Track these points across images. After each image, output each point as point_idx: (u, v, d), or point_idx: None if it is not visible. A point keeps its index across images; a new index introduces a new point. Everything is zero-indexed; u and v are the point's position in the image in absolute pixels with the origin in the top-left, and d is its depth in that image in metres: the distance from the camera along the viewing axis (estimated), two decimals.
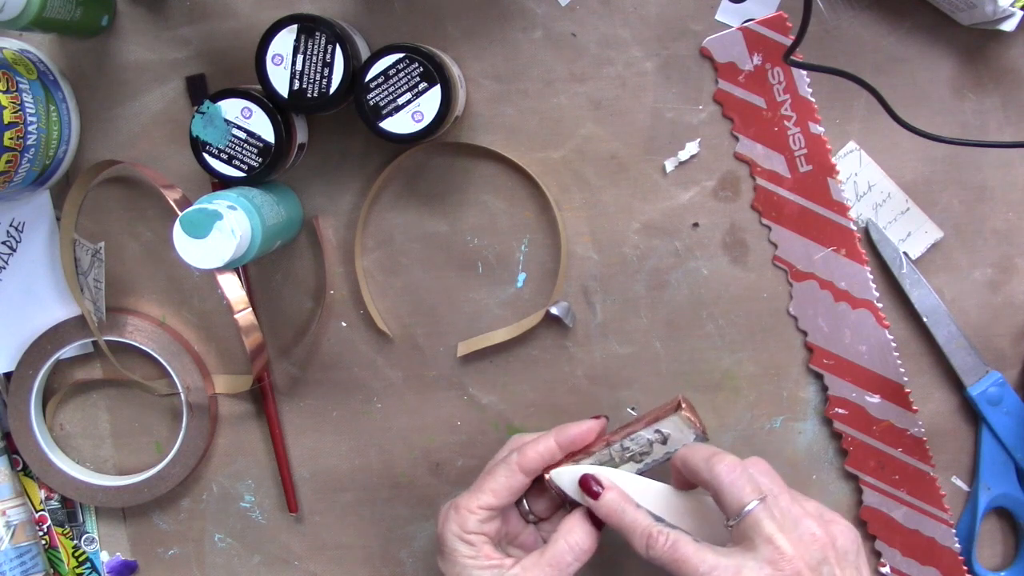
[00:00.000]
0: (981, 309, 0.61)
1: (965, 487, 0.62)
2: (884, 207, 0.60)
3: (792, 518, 0.49)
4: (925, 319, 0.60)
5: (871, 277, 0.61)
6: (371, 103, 0.55)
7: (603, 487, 0.54)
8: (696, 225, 0.62)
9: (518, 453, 0.55)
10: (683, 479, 0.54)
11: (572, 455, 0.56)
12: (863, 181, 0.60)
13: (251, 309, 0.62)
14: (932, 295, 0.60)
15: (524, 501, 0.58)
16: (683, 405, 0.54)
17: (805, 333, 0.62)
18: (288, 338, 0.65)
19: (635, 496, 0.54)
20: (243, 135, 0.56)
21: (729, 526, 0.50)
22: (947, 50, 0.59)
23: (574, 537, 0.54)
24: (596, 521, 0.55)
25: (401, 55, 0.55)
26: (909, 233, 0.61)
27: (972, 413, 0.62)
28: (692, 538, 0.50)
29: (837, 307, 0.61)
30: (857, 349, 0.61)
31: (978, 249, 0.61)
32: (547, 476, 0.56)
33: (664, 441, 0.55)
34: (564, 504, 0.58)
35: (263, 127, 0.56)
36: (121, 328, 0.64)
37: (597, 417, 0.57)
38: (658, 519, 0.52)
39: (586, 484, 0.54)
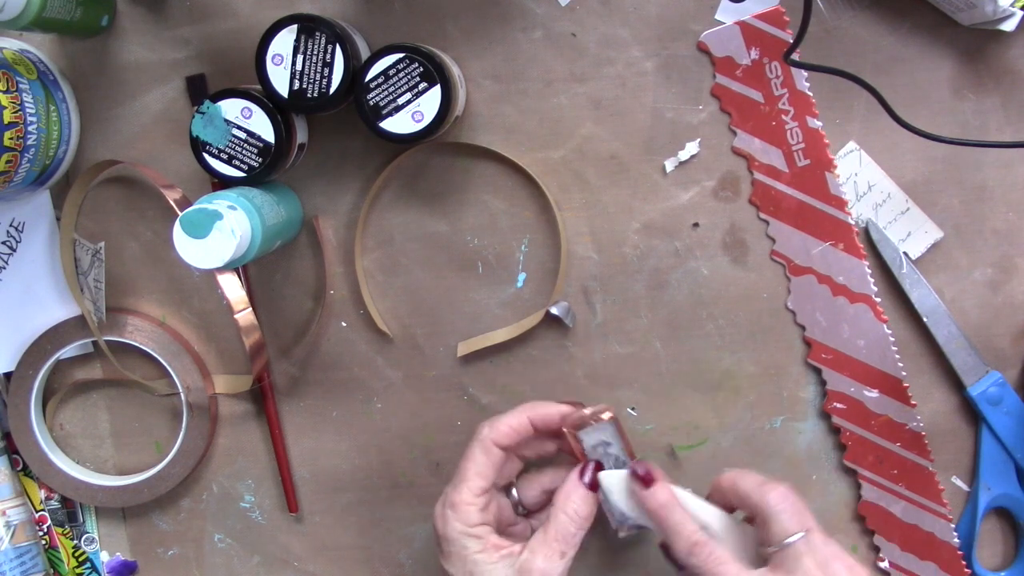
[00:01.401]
0: (981, 309, 0.61)
1: (965, 487, 0.62)
2: (884, 207, 0.60)
3: (824, 557, 0.50)
4: (925, 319, 0.60)
5: (869, 272, 0.61)
6: (371, 103, 0.55)
7: (656, 478, 0.54)
8: (696, 225, 0.62)
9: (489, 429, 0.55)
10: (723, 499, 0.54)
11: (557, 433, 0.56)
12: (863, 181, 0.60)
13: (251, 309, 0.62)
14: (932, 295, 0.60)
15: (515, 492, 0.58)
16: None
17: (803, 327, 0.62)
18: (288, 338, 0.65)
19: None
20: (243, 135, 0.56)
21: (769, 552, 0.50)
22: (947, 50, 0.59)
23: (572, 506, 0.54)
24: (591, 485, 0.55)
25: (401, 55, 0.55)
26: (909, 233, 0.61)
27: (972, 413, 0.62)
28: (734, 556, 0.50)
29: (835, 301, 0.61)
30: (855, 344, 0.61)
31: (978, 249, 0.61)
32: (567, 430, 0.55)
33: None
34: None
35: (263, 127, 0.56)
36: (121, 328, 0.64)
37: (574, 404, 0.57)
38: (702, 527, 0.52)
39: (642, 472, 0.54)
